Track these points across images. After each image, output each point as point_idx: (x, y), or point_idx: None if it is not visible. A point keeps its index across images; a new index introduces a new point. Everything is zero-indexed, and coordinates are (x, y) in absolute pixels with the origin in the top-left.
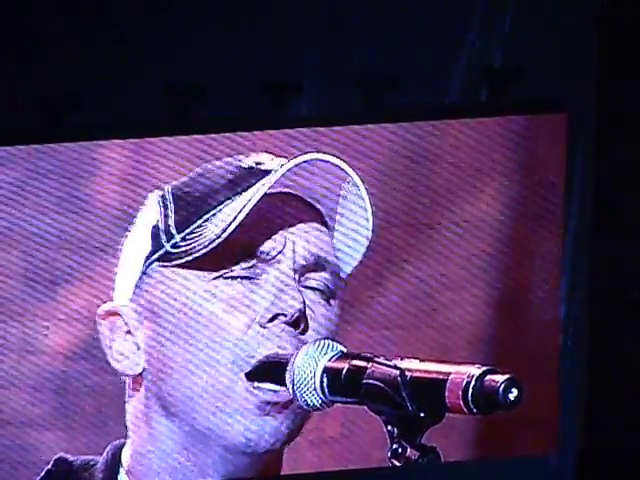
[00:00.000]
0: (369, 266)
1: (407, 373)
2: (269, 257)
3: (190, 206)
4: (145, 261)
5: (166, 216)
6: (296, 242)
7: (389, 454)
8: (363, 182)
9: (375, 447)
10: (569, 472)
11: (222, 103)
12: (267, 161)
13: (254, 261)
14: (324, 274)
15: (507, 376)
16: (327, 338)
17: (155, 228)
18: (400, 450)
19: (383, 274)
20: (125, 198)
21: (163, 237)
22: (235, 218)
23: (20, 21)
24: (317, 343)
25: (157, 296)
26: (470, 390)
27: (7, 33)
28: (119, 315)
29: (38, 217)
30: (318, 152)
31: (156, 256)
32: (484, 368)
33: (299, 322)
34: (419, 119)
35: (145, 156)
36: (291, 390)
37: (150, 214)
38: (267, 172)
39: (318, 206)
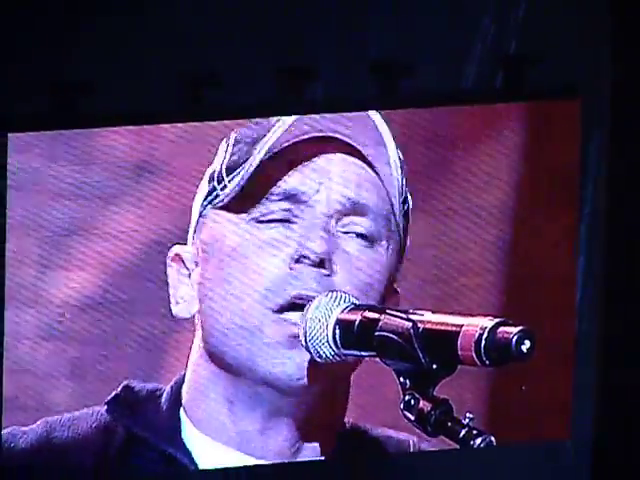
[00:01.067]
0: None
1: (419, 325)
2: (303, 199)
3: (243, 147)
4: (202, 204)
5: (223, 159)
6: (332, 186)
7: (401, 406)
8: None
9: (389, 402)
10: (584, 457)
11: (237, 89)
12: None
13: (290, 204)
14: (364, 219)
15: (520, 327)
16: (365, 290)
17: (212, 173)
18: (412, 402)
19: (399, 260)
20: (138, 184)
21: (215, 179)
22: (260, 151)
23: (36, 7)
24: (330, 295)
25: (208, 237)
26: (483, 342)
27: (23, 19)
28: (181, 257)
29: (52, 203)
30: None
31: (209, 198)
32: (497, 320)
33: (324, 264)
34: (434, 105)
35: (159, 142)
36: (304, 341)
37: (216, 159)
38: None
39: (362, 149)
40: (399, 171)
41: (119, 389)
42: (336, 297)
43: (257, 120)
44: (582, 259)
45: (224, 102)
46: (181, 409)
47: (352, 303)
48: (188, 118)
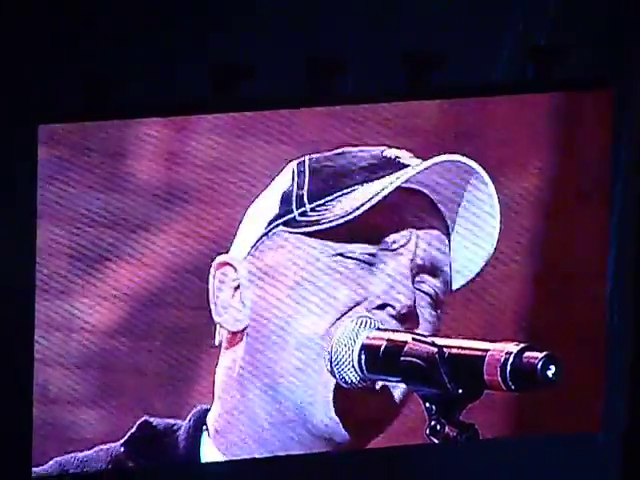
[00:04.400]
0: None
1: (445, 350)
2: (392, 248)
3: (326, 180)
4: (270, 223)
5: (300, 185)
6: (419, 240)
7: (427, 431)
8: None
9: (418, 425)
10: (616, 450)
11: (267, 81)
12: (406, 157)
13: (377, 248)
14: (436, 281)
15: (545, 353)
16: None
17: (287, 194)
18: (438, 427)
19: None
20: (170, 176)
21: (294, 203)
22: (368, 200)
23: (69, 2)
24: (356, 320)
25: (276, 259)
26: (508, 367)
27: (56, 13)
28: (233, 268)
29: (83, 195)
30: (456, 154)
31: (282, 220)
32: (522, 345)
33: (406, 318)
34: (465, 96)
35: (190, 134)
36: (329, 366)
37: (284, 181)
38: (405, 166)
39: (444, 210)
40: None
41: (134, 428)
42: (362, 322)
43: (329, 156)
44: (613, 251)
45: (256, 94)
46: (204, 437)
47: (377, 328)
48: (220, 109)
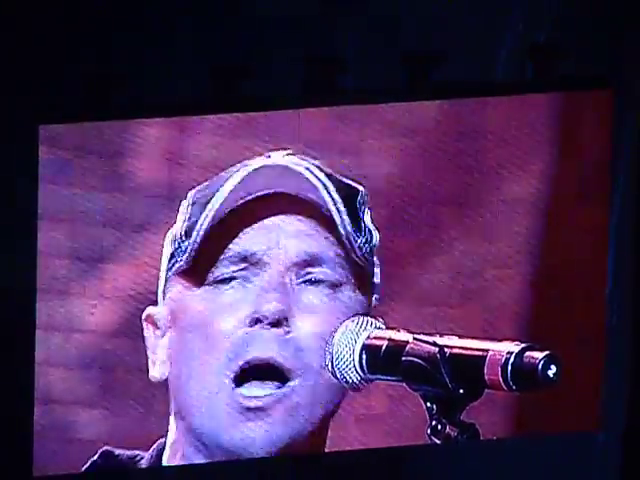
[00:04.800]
0: (415, 244)
1: (446, 350)
2: (258, 258)
3: (197, 210)
4: (167, 269)
5: (183, 222)
6: (284, 241)
7: (428, 431)
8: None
9: (419, 424)
10: (615, 450)
11: (267, 81)
12: (277, 158)
13: (245, 264)
14: (321, 268)
15: (546, 352)
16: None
17: (174, 237)
18: (439, 427)
19: (430, 252)
20: (170, 176)
21: (175, 244)
22: (208, 213)
23: (69, 3)
24: (356, 319)
25: (172, 303)
26: (509, 367)
27: (56, 14)
28: (154, 323)
29: (84, 195)
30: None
31: (172, 262)
32: (523, 345)
33: (280, 324)
34: (465, 95)
35: (189, 135)
36: (330, 367)
37: (176, 222)
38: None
39: (314, 199)
40: (344, 216)
41: (96, 456)
42: (362, 322)
43: (210, 181)
44: (612, 251)
45: (255, 94)
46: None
47: (379, 328)
48: (219, 110)
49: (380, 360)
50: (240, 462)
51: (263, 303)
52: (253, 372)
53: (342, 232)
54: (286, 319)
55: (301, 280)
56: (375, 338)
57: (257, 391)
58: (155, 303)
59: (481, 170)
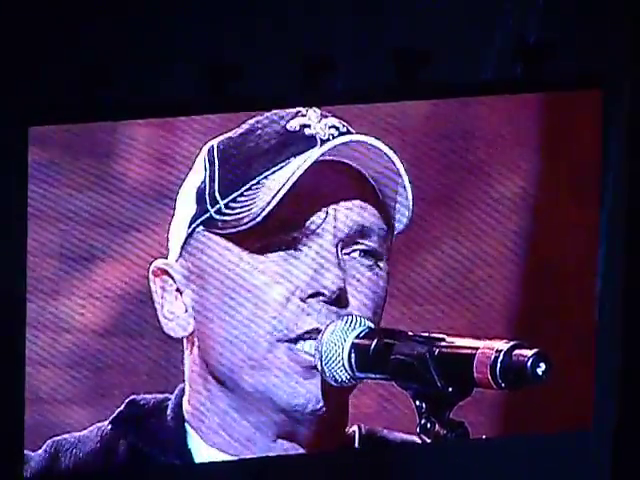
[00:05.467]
0: (405, 243)
1: (435, 348)
2: (310, 230)
3: (235, 170)
4: (190, 224)
5: (212, 178)
6: (338, 214)
7: (418, 429)
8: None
9: (410, 423)
10: (606, 448)
11: (257, 81)
12: (313, 122)
13: (296, 234)
14: (369, 241)
15: (535, 350)
16: (373, 311)
17: (201, 190)
18: (429, 425)
19: (419, 251)
20: (159, 177)
21: (208, 201)
22: (277, 193)
23: (58, 4)
24: (346, 319)
25: (203, 260)
26: (498, 365)
27: (45, 16)
28: (169, 274)
29: (73, 195)
30: (364, 134)
31: (200, 220)
32: (512, 343)
33: (339, 300)
34: (453, 96)
35: (179, 135)
36: (319, 366)
37: (197, 174)
38: (312, 138)
39: (364, 173)
40: (408, 193)
41: (122, 406)
42: (352, 321)
43: (237, 136)
44: (603, 248)
45: (245, 94)
46: (185, 424)
47: (368, 327)
48: (209, 110)
49: (369, 359)
50: (232, 462)
51: (322, 278)
52: (307, 339)
53: (390, 211)
54: (345, 294)
55: (349, 251)
56: (364, 337)
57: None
58: (147, 306)
59: (470, 169)
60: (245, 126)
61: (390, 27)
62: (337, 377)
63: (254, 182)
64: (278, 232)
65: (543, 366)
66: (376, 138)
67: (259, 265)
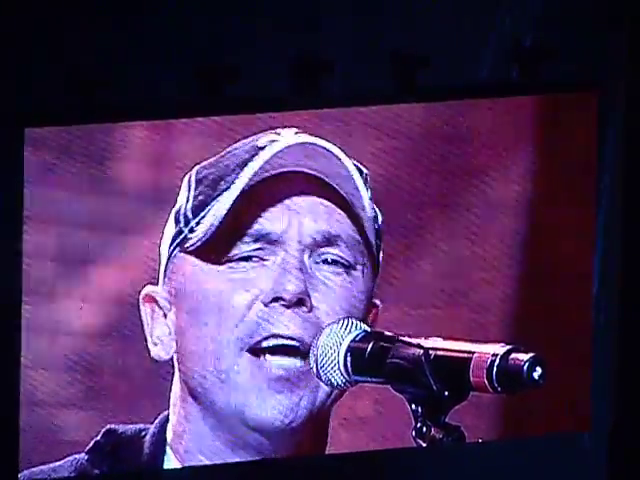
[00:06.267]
0: (402, 246)
1: (431, 352)
2: (275, 238)
3: (207, 188)
4: (170, 246)
5: (187, 200)
6: (302, 221)
7: (413, 433)
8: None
9: (406, 427)
10: (601, 449)
11: (253, 83)
12: (285, 137)
13: (261, 243)
14: (337, 250)
15: (531, 354)
16: (348, 315)
17: (177, 213)
18: (425, 429)
19: (415, 253)
20: (156, 179)
21: (182, 221)
22: (225, 203)
23: (55, 5)
24: (341, 322)
25: (178, 281)
26: (494, 369)
27: (40, 16)
28: (155, 300)
29: (69, 198)
30: (313, 135)
31: (177, 242)
32: (508, 347)
33: (301, 304)
34: (450, 98)
35: (175, 137)
36: (315, 369)
37: (179, 198)
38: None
39: (329, 181)
40: (367, 196)
41: (99, 436)
42: (348, 324)
43: (216, 159)
44: (599, 251)
45: (241, 96)
46: (167, 447)
47: (364, 330)
48: (205, 112)
49: (365, 362)
50: (231, 464)
51: (283, 282)
52: (273, 348)
53: (360, 214)
54: (306, 298)
55: (318, 260)
56: (360, 340)
57: (282, 361)
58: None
59: (467, 172)
60: (224, 151)
61: (388, 29)
62: (333, 380)
63: (217, 197)
64: (240, 242)
65: (539, 370)
66: (324, 139)
67: (227, 276)
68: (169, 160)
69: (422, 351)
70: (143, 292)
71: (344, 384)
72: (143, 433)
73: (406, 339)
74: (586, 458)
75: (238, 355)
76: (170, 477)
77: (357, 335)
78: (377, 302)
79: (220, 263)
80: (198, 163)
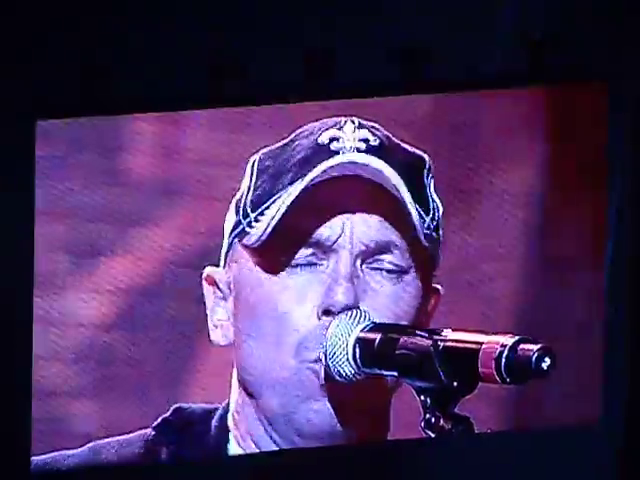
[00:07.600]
0: None
1: (440, 343)
2: (327, 245)
3: (266, 183)
4: (230, 235)
5: (248, 190)
6: (355, 228)
7: (422, 424)
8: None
9: (413, 418)
10: (613, 442)
11: (259, 74)
12: (346, 135)
13: (314, 249)
14: (389, 256)
15: (540, 345)
16: (402, 319)
17: (238, 202)
18: (433, 420)
19: None
20: (165, 171)
21: (241, 213)
22: (281, 206)
23: None
24: (349, 313)
25: (237, 273)
26: (503, 359)
27: (52, 10)
28: (215, 282)
29: (80, 190)
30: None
31: (237, 231)
32: (517, 337)
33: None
34: (459, 90)
35: (184, 130)
36: (324, 360)
37: (242, 184)
38: (335, 153)
39: (386, 186)
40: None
41: (169, 413)
42: (356, 315)
43: (277, 147)
44: (611, 242)
45: (249, 88)
46: (229, 431)
47: (372, 322)
48: (214, 104)
49: (374, 353)
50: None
51: (332, 294)
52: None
53: (414, 223)
54: (357, 308)
55: (369, 267)
56: (369, 331)
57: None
58: (154, 300)
59: (477, 163)
60: (288, 137)
61: (393, 23)
62: (342, 372)
63: (277, 196)
64: (296, 248)
65: (548, 360)
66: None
67: (283, 282)
68: (179, 152)
69: (431, 342)
70: (205, 272)
71: (353, 375)
72: (212, 414)
73: (415, 330)
74: (596, 450)
75: (290, 363)
76: (232, 461)
77: (366, 326)
78: (438, 287)
79: (277, 268)
80: (260, 149)
